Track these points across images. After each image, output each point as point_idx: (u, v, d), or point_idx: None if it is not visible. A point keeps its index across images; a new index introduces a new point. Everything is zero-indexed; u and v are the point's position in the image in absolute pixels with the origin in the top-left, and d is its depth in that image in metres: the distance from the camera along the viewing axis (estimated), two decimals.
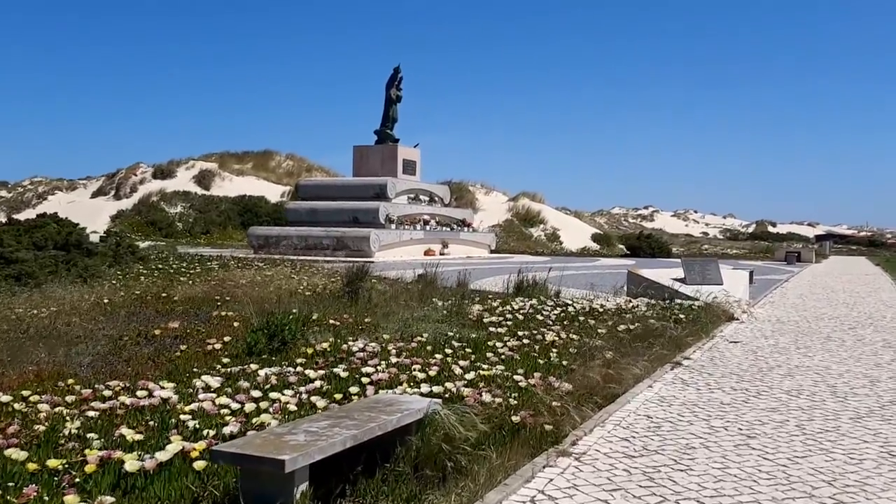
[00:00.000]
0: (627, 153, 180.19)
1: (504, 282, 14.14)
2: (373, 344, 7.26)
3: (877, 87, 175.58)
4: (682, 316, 10.12)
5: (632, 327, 8.80)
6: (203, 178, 47.94)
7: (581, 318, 9.63)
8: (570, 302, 11.17)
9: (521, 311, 10.15)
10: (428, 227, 29.70)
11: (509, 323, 9.19)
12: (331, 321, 9.29)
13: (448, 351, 7.03)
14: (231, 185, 48.67)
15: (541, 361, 6.85)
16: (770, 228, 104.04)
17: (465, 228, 32.68)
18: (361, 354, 6.74)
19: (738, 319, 11.34)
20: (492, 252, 34.69)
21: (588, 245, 50.42)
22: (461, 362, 6.36)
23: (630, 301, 11.55)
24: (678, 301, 11.46)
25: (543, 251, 42.35)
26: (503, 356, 6.97)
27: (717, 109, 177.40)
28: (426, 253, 29.01)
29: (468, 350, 7.19)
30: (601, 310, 10.37)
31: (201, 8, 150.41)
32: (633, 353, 7.51)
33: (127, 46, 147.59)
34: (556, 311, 10.10)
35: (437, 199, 32.00)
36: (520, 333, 8.15)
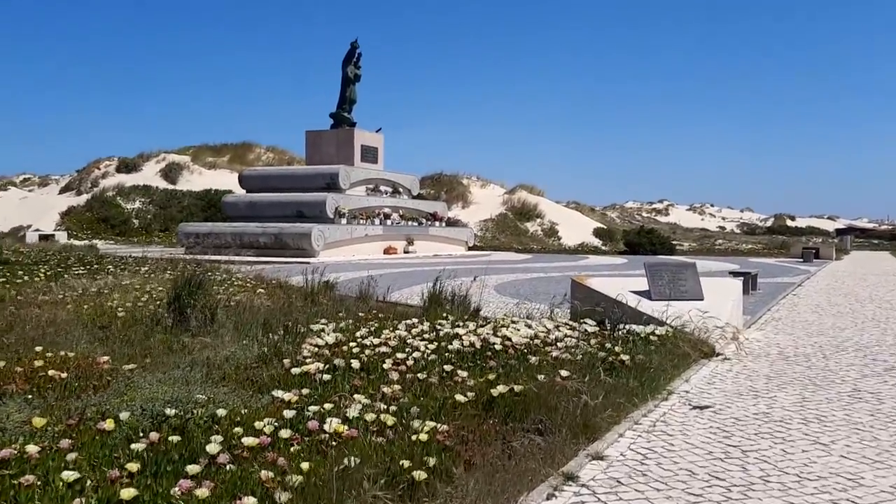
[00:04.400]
0: (643, 146, 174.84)
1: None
2: None
3: None
4: (624, 357, 6.43)
5: (518, 388, 5.13)
6: (170, 172, 44.51)
7: (452, 365, 5.96)
8: (472, 328, 7.54)
9: (382, 347, 6.56)
10: (389, 222, 26.04)
11: (327, 376, 5.58)
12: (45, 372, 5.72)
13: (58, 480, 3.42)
14: (200, 179, 45.25)
15: None
16: (789, 222, 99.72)
17: (437, 223, 29.00)
18: None
19: (719, 355, 7.65)
20: (469, 249, 31.03)
21: (588, 241, 46.73)
22: None
23: (563, 326, 7.87)
24: (631, 327, 7.77)
25: (534, 247, 38.65)
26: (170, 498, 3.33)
27: (735, 100, 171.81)
28: (386, 251, 25.42)
29: (122, 472, 3.57)
30: (501, 346, 6.69)
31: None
32: (483, 462, 3.88)
33: (127, 39, 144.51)
34: (426, 350, 6.46)
35: (402, 190, 28.33)
36: (288, 415, 4.50)
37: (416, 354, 6.20)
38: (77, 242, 31.06)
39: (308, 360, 6.14)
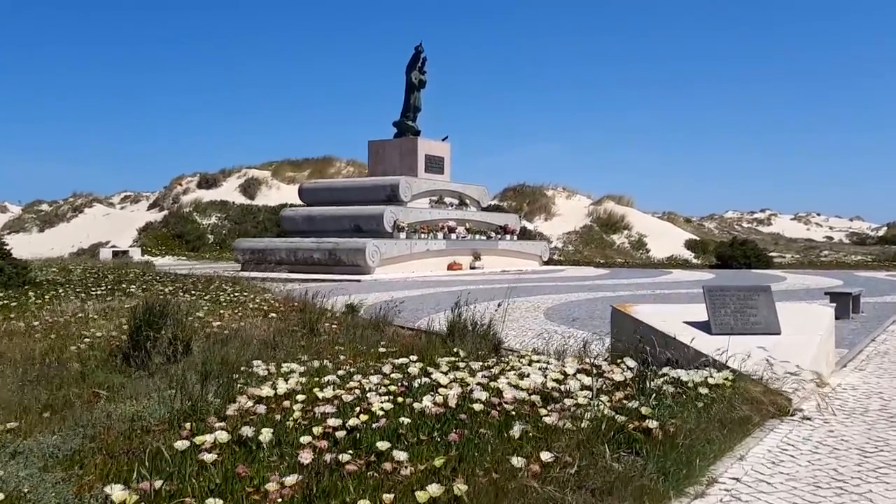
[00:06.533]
0: (743, 152, 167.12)
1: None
2: None
3: None
4: (652, 424, 4.63)
5: (462, 488, 3.45)
6: (248, 187, 44.38)
7: (391, 441, 4.32)
8: (478, 369, 5.92)
9: (326, 406, 5.01)
10: (454, 236, 24.48)
11: (210, 456, 4.04)
12: None
13: None
14: (278, 194, 44.93)
15: None
16: None
17: (507, 236, 27.25)
18: None
19: (797, 412, 5.71)
20: (545, 263, 29.14)
21: (679, 254, 44.01)
22: None
23: (586, 371, 6.08)
24: (675, 373, 5.92)
25: (618, 261, 36.38)
26: None
27: (844, 102, 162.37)
28: (450, 267, 23.88)
29: None
30: (484, 405, 4.98)
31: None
32: None
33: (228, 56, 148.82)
34: (379, 411, 4.84)
35: (469, 201, 26.74)
36: None
37: (353, 421, 4.58)
38: (145, 258, 30.88)
39: (217, 426, 4.63)
